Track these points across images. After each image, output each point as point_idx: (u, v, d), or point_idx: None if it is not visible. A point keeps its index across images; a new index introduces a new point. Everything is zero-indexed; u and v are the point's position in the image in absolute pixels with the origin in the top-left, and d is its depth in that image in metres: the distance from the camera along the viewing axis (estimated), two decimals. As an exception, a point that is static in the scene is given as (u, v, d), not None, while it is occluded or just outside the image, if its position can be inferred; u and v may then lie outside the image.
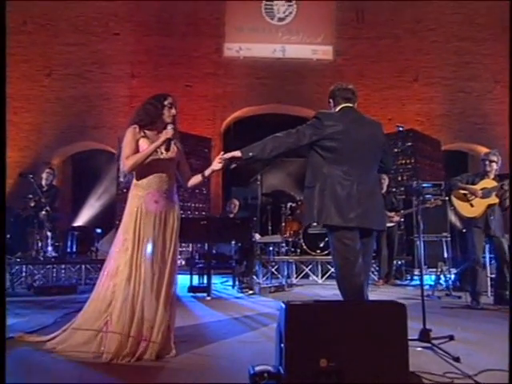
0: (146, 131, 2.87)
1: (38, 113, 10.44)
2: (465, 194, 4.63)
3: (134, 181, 2.86)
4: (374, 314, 2.17)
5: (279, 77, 10.86)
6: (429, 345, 2.88)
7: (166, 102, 2.91)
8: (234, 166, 2.86)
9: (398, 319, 2.16)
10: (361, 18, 11.10)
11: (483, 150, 10.74)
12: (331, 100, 3.05)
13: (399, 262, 6.75)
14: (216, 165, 2.89)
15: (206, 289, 5.16)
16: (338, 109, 3.00)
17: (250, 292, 5.44)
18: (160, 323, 2.67)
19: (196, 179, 3.08)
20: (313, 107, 10.82)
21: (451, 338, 3.08)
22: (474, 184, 4.67)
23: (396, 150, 9.14)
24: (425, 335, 2.93)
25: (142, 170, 2.80)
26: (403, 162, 9.20)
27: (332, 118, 2.89)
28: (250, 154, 2.78)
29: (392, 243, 6.16)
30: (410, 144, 9.06)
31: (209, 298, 5.01)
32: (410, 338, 2.20)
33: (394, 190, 7.50)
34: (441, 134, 10.56)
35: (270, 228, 7.03)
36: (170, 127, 2.79)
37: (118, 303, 2.63)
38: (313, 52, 10.95)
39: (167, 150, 2.85)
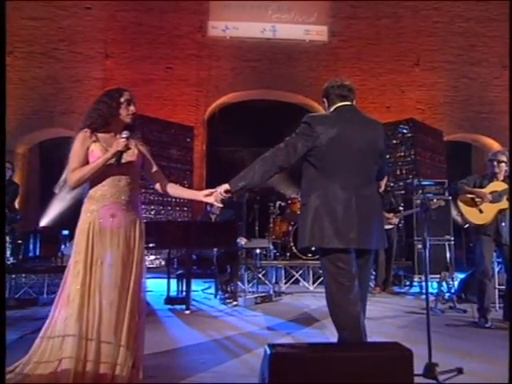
0: (99, 134, 2.59)
1: None
2: (472, 199, 4.42)
3: (88, 192, 2.59)
4: (375, 363, 1.94)
5: (269, 59, 10.55)
6: (435, 382, 2.67)
7: (121, 99, 2.62)
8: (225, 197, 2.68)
9: (402, 368, 1.93)
10: (358, -5, 10.77)
11: (488, 140, 10.61)
12: (325, 99, 2.80)
13: (397, 268, 6.57)
14: (207, 198, 2.73)
15: (185, 301, 4.91)
16: (332, 109, 2.75)
17: (234, 303, 5.21)
18: (123, 364, 2.40)
19: (182, 192, 2.92)
20: (305, 93, 10.59)
21: (460, 371, 2.87)
22: (482, 187, 4.46)
23: (395, 141, 8.94)
24: (430, 370, 2.72)
25: (95, 178, 2.54)
26: (402, 154, 9.01)
27: (324, 121, 2.65)
28: (240, 184, 2.59)
29: (390, 247, 5.95)
30: (409, 135, 8.86)
31: (187, 312, 4.76)
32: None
33: (392, 185, 7.28)
34: (443, 123, 10.39)
35: (256, 229, 6.79)
36: (124, 134, 2.52)
37: (69, 342, 2.36)
38: (305, 32, 10.64)
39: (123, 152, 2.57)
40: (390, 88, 10.57)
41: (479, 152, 11.21)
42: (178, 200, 9.03)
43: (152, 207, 8.69)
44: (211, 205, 6.48)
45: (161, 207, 8.75)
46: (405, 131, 3.02)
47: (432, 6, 10.86)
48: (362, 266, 2.69)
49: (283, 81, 10.50)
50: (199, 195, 2.81)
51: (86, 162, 2.58)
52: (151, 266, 8.41)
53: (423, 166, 9.03)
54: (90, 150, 2.57)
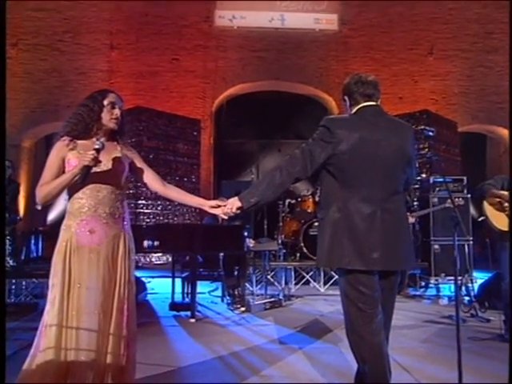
0: (80, 141, 2.25)
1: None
2: (500, 203, 4.00)
3: (67, 205, 2.27)
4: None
5: (277, 49, 10.06)
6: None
7: (105, 102, 2.30)
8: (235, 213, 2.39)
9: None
10: (370, -18, 10.21)
11: (504, 131, 10.08)
12: (346, 98, 2.40)
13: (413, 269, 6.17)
14: (214, 210, 2.46)
15: (190, 307, 4.58)
16: (355, 109, 2.35)
17: (242, 309, 4.88)
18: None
19: (185, 197, 2.58)
20: (315, 83, 10.11)
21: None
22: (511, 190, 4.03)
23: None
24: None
25: (71, 190, 2.23)
26: (416, 147, 8.53)
27: (345, 125, 2.26)
28: (252, 200, 2.27)
29: (406, 248, 5.56)
30: (422, 127, 8.39)
31: (193, 321, 4.43)
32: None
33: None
34: (457, 114, 9.88)
35: (265, 228, 6.43)
36: (96, 145, 2.18)
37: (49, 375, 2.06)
38: (315, 21, 10.12)
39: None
40: (403, 78, 10.05)
41: (494, 143, 10.70)
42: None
43: (158, 203, 8.35)
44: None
45: (167, 203, 8.40)
46: (431, 134, 2.63)
47: (446, -9, 10.27)
48: (386, 289, 2.33)
49: (292, 71, 10.03)
50: (205, 205, 2.48)
51: (59, 173, 2.25)
52: (158, 262, 8.11)
53: (437, 160, 8.57)
54: (66, 160, 2.24)
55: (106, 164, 2.27)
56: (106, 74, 9.82)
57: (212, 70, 9.93)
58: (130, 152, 2.45)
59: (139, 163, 2.49)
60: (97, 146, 2.16)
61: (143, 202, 8.20)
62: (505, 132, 10.05)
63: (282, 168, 2.25)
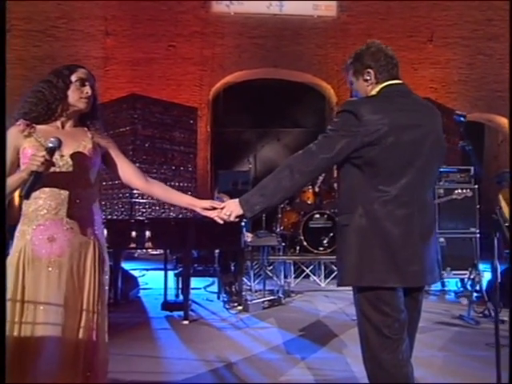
0: (40, 126, 1.71)
1: (-3, 77, 9.02)
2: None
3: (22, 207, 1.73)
4: None
5: (275, 36, 9.44)
6: None
7: (72, 78, 1.75)
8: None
9: None
10: (370, -33, 9.54)
11: (502, 120, 9.54)
12: (371, 71, 1.81)
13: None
14: (208, 212, 1.93)
15: (183, 307, 4.07)
16: (378, 88, 1.79)
17: (239, 308, 4.37)
18: None
19: (171, 195, 2.01)
20: (313, 71, 9.51)
21: None
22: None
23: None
24: None
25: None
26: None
27: (375, 108, 1.69)
28: (257, 207, 1.74)
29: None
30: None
31: (186, 323, 3.92)
32: None
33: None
34: (457, 102, 9.32)
35: (263, 219, 5.90)
36: (50, 143, 1.62)
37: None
38: (314, 7, 9.49)
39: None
40: (402, 66, 8.83)
41: (492, 132, 10.17)
42: (181, 184, 8.11)
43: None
44: (217, 197, 5.63)
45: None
46: (462, 119, 2.16)
47: (447, -22, 9.62)
48: (411, 308, 1.81)
49: (290, 59, 9.42)
50: (197, 206, 1.92)
51: (18, 166, 1.72)
52: (154, 252, 7.58)
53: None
54: (21, 150, 1.69)
55: (71, 155, 1.73)
56: (100, 60, 9.19)
57: (209, 57, 9.32)
58: (103, 140, 1.90)
59: (115, 154, 1.93)
60: (50, 145, 1.60)
61: (138, 191, 7.62)
62: (504, 121, 9.52)
63: (294, 167, 1.71)
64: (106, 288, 1.84)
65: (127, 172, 1.93)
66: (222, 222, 1.84)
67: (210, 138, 9.48)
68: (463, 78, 9.51)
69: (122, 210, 7.63)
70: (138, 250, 7.63)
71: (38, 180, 1.58)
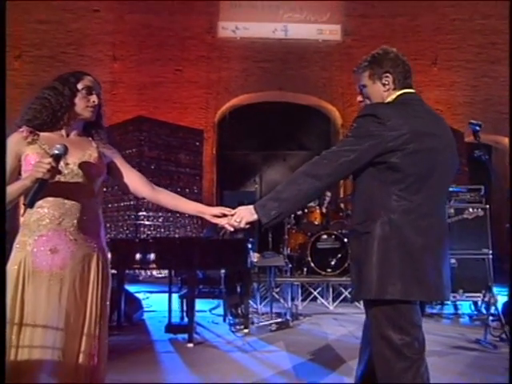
0: (43, 133, 1.66)
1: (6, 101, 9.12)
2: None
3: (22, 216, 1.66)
4: None
5: (281, 60, 9.54)
6: None
7: (79, 85, 1.70)
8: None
9: None
10: (373, -7, 9.71)
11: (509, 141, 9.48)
12: (389, 76, 1.75)
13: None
14: (217, 219, 1.85)
15: (188, 329, 3.92)
16: (395, 96, 1.75)
17: (245, 331, 4.22)
18: None
19: (178, 202, 1.94)
20: (318, 94, 9.55)
21: None
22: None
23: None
24: None
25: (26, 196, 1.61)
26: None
27: (397, 113, 1.65)
28: (273, 213, 1.64)
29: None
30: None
31: (190, 346, 3.77)
32: None
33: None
34: (463, 124, 9.15)
35: (270, 240, 5.79)
36: (55, 150, 1.56)
37: None
38: (318, 32, 9.60)
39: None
40: None
41: (500, 154, 10.08)
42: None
43: (160, 214, 7.73)
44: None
45: (169, 214, 7.78)
46: (478, 128, 2.10)
47: (449, 3, 9.74)
48: None
49: (295, 82, 9.48)
50: (206, 213, 1.85)
51: (18, 174, 1.66)
52: (159, 275, 7.45)
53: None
54: (23, 157, 1.63)
55: (76, 164, 1.67)
56: (108, 84, 9.26)
57: (215, 80, 9.40)
58: (108, 150, 1.84)
59: (120, 163, 1.87)
60: (56, 152, 1.54)
61: (144, 213, 7.57)
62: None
63: (311, 171, 1.63)
64: (108, 303, 1.75)
65: (133, 180, 1.87)
66: (232, 229, 1.75)
67: (216, 161, 9.46)
68: (468, 100, 9.51)
69: (127, 232, 7.56)
70: (143, 273, 7.52)
71: (43, 188, 1.51)
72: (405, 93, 1.74)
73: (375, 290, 1.57)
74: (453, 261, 5.20)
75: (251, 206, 1.70)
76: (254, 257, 4.61)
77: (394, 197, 1.59)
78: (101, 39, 9.42)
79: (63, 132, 1.73)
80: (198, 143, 8.53)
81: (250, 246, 4.28)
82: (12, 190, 1.55)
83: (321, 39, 9.59)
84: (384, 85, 1.74)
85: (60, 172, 1.58)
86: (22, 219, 1.62)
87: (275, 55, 9.52)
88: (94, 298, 1.66)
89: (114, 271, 4.35)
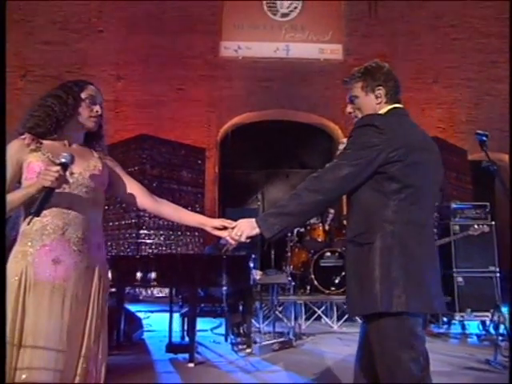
0: (45, 141, 1.64)
1: (10, 119, 8.95)
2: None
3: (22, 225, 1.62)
4: None
5: (282, 79, 9.62)
6: None
7: (83, 95, 1.70)
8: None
9: None
10: (374, 13, 9.87)
11: (513, 160, 9.47)
12: (381, 89, 1.75)
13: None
14: (218, 232, 1.83)
15: (189, 349, 3.84)
16: (386, 109, 1.77)
17: (248, 350, 4.13)
18: None
19: (180, 213, 1.95)
20: (320, 112, 9.59)
21: None
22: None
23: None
24: None
25: (29, 206, 1.56)
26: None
27: (395, 124, 1.67)
28: (277, 226, 1.61)
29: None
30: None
31: (191, 365, 3.69)
32: None
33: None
34: (465, 142, 9.25)
35: (272, 258, 5.73)
36: (62, 159, 1.54)
37: None
38: (320, 51, 9.71)
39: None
40: (409, 106, 9.10)
41: (504, 172, 10.04)
42: (188, 226, 7.98)
43: (161, 232, 7.68)
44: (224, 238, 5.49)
45: (170, 232, 7.74)
46: (484, 138, 2.09)
47: (449, 23, 9.88)
48: None
49: (297, 100, 9.54)
50: (207, 224, 1.82)
51: (18, 183, 1.64)
52: (159, 295, 7.35)
53: (448, 187, 7.92)
54: (25, 164, 1.61)
55: (82, 174, 1.66)
56: (111, 103, 9.34)
57: (217, 99, 9.47)
58: (110, 162, 1.84)
59: (122, 174, 1.87)
60: (63, 160, 1.52)
61: (145, 231, 7.53)
62: (514, 160, 9.43)
63: (312, 186, 1.61)
64: (105, 317, 1.70)
65: (135, 191, 1.86)
66: (233, 242, 1.72)
67: (218, 179, 9.45)
68: (471, 118, 9.52)
69: (128, 250, 7.49)
70: (143, 292, 7.42)
71: (50, 197, 1.49)
72: (396, 107, 1.76)
73: (380, 303, 1.52)
74: (459, 279, 5.15)
75: (253, 220, 1.67)
76: (257, 274, 4.55)
77: (393, 208, 1.58)
78: (105, 59, 9.53)
79: (65, 141, 1.71)
80: (200, 161, 8.54)
81: (252, 263, 4.23)
82: (14, 198, 1.52)
83: (322, 58, 9.70)
84: (377, 97, 1.76)
85: (67, 181, 1.56)
86: (21, 228, 1.59)
87: (277, 74, 9.61)
88: (94, 312, 1.62)
89: (113, 289, 4.31)
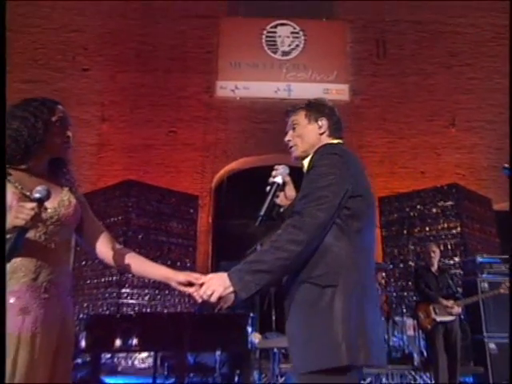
0: (13, 171, 1.63)
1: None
2: None
3: None
4: None
5: (283, 121, 9.70)
6: None
7: (53, 118, 1.67)
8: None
9: None
10: (382, 52, 10.30)
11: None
12: (325, 121, 1.86)
13: (464, 375, 5.19)
14: (184, 287, 1.73)
15: (175, 428, 3.65)
16: (335, 142, 1.88)
17: (245, 431, 3.92)
18: None
19: (146, 266, 1.83)
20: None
21: None
22: None
23: (434, 210, 7.96)
24: None
25: None
26: (446, 226, 7.92)
27: (354, 158, 1.78)
28: (253, 285, 1.55)
29: (453, 346, 4.66)
30: (451, 203, 7.89)
31: None
32: None
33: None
34: (489, 190, 9.35)
35: (273, 319, 5.57)
36: (36, 194, 1.50)
37: None
38: (325, 91, 10.02)
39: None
40: (424, 151, 9.70)
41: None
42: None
43: (146, 291, 7.53)
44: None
45: (156, 291, 7.60)
46: (507, 172, 2.11)
47: (464, 61, 10.30)
48: None
49: (300, 144, 9.71)
50: (172, 279, 1.72)
51: None
52: (142, 366, 7.09)
53: (472, 240, 7.90)
54: None
55: (55, 210, 1.64)
56: (95, 147, 9.53)
57: (212, 142, 9.65)
58: (78, 194, 1.81)
59: (88, 211, 1.83)
60: (38, 195, 1.48)
61: (127, 290, 7.39)
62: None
63: (288, 237, 1.57)
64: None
65: (97, 236, 1.79)
66: (200, 300, 1.62)
67: (212, 230, 9.43)
68: (493, 164, 9.65)
69: (108, 311, 7.32)
70: (123, 363, 7.17)
71: (23, 237, 1.43)
72: (342, 143, 1.83)
73: (346, 353, 1.47)
74: (492, 345, 4.98)
75: (225, 275, 1.57)
76: (255, 337, 4.40)
77: (357, 247, 1.61)
78: (89, 99, 9.80)
79: (30, 169, 1.67)
80: (192, 210, 8.55)
81: (250, 324, 4.11)
82: None
83: (327, 99, 9.96)
84: (320, 127, 1.84)
85: (42, 220, 1.53)
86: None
87: (277, 116, 9.75)
88: (61, 367, 1.56)
89: (87, 358, 4.17)
